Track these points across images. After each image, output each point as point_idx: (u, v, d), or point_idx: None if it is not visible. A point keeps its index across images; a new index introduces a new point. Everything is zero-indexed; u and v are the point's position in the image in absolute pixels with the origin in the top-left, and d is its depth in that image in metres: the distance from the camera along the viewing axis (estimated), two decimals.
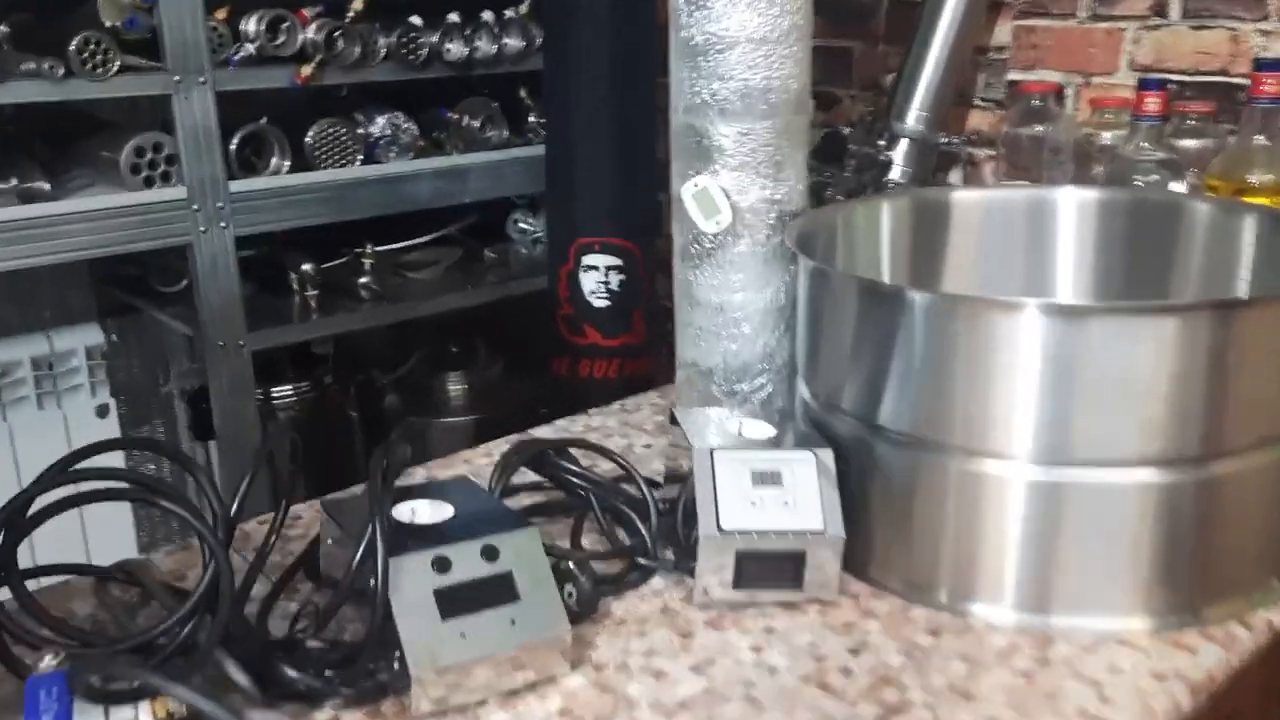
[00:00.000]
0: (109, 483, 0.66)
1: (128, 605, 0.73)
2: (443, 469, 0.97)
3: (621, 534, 0.82)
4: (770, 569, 0.72)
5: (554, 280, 1.67)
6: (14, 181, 1.42)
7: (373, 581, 0.62)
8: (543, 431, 1.05)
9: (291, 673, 0.62)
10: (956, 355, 0.70)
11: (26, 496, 0.62)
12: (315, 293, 1.73)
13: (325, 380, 1.90)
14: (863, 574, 0.77)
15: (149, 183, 1.50)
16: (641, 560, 0.77)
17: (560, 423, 1.07)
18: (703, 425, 0.81)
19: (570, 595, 0.70)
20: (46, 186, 1.46)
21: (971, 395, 0.70)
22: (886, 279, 0.94)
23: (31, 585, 0.69)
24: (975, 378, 0.70)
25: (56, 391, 1.80)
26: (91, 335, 1.83)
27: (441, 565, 0.64)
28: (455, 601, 0.63)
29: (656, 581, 0.77)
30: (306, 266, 1.71)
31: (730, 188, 0.88)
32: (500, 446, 1.01)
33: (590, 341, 1.65)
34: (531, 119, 1.91)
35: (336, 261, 1.78)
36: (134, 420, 1.94)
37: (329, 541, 0.71)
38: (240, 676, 0.60)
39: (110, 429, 1.86)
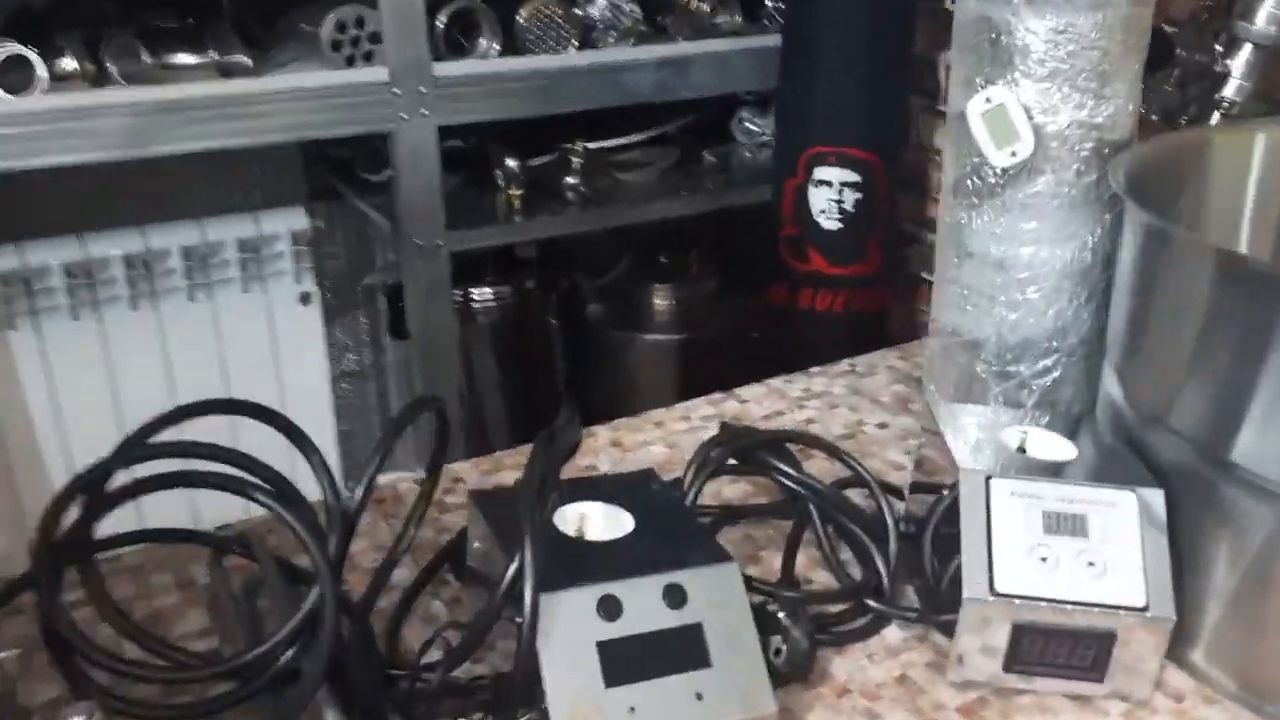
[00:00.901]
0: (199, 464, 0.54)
1: (247, 583, 0.62)
2: (630, 432, 0.81)
3: (847, 558, 0.64)
4: (1060, 650, 0.52)
5: (778, 195, 1.46)
6: (213, 54, 1.34)
7: (518, 620, 0.47)
8: (752, 393, 0.87)
9: None
10: None
11: (105, 469, 0.50)
12: (520, 192, 1.59)
13: (527, 284, 1.79)
14: (1183, 661, 0.56)
15: (350, 61, 1.39)
16: (873, 604, 0.59)
17: (774, 382, 0.89)
18: (967, 427, 0.61)
19: (778, 653, 0.53)
20: (248, 61, 1.37)
21: None
22: (1247, 247, 0.69)
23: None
24: None
25: (261, 276, 1.76)
26: (297, 219, 1.77)
27: (610, 609, 0.48)
28: (625, 661, 0.47)
29: (892, 633, 0.59)
30: (511, 163, 1.58)
31: (1034, 105, 0.65)
32: (700, 409, 0.84)
33: (814, 269, 1.44)
34: (769, 3, 1.68)
35: (544, 159, 1.64)
36: (337, 310, 1.91)
37: (475, 544, 0.57)
38: None
39: (313, 318, 1.82)
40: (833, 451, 0.65)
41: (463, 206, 1.58)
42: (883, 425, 0.82)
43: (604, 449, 0.78)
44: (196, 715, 0.52)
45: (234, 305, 1.74)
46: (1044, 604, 0.51)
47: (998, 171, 0.67)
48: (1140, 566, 0.52)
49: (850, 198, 1.40)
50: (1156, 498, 0.54)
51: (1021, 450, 0.60)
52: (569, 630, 0.47)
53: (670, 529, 0.54)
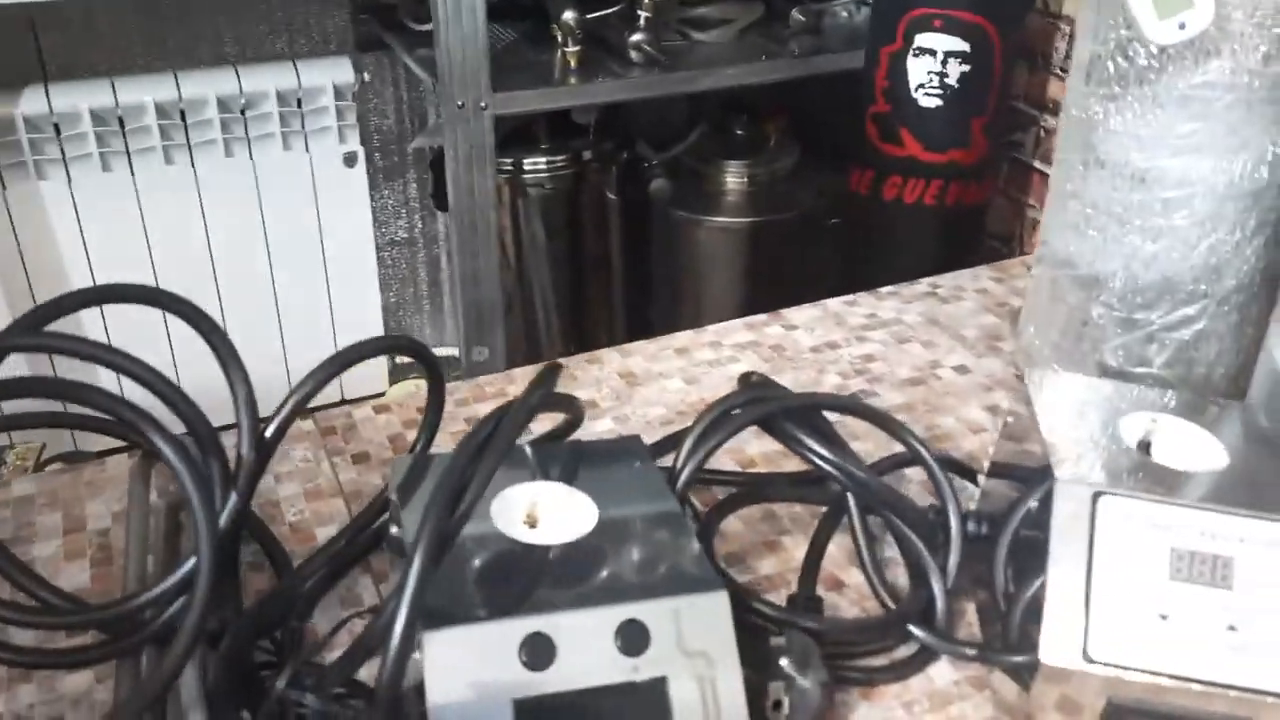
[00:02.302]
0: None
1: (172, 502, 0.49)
2: (645, 360, 0.66)
3: (892, 555, 0.49)
4: None
5: (871, 63, 1.25)
6: None
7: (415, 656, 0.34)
8: (803, 318, 0.71)
9: None
10: None
11: None
12: (578, 49, 1.41)
13: (584, 155, 1.62)
14: None
15: None
16: (918, 631, 0.44)
17: (833, 304, 0.72)
18: (1072, 408, 0.45)
19: (777, 706, 0.39)
20: None
21: None
22: None
23: None
24: None
25: (303, 131, 1.63)
26: (342, 71, 1.62)
27: (538, 654, 0.34)
28: None
29: (942, 671, 0.44)
30: (569, 15, 1.39)
31: None
32: (734, 334, 0.69)
33: (907, 153, 1.24)
34: None
35: (607, 11, 1.45)
36: (385, 173, 1.77)
37: (393, 528, 0.44)
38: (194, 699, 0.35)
39: (358, 180, 1.69)
40: (885, 424, 0.50)
41: (514, 64, 1.41)
42: (962, 369, 0.66)
43: (609, 379, 0.64)
44: (48, 665, 0.41)
45: (273, 163, 1.62)
46: (1161, 680, 0.36)
47: (1154, 50, 0.48)
48: None
49: (955, 70, 1.19)
50: None
51: (1145, 449, 0.43)
52: (475, 680, 0.34)
53: (643, 532, 0.40)
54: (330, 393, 1.75)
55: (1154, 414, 0.44)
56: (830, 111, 1.53)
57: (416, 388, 1.72)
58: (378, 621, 0.34)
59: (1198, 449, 0.43)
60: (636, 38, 1.41)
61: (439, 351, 1.86)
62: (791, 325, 0.70)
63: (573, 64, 1.41)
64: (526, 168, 1.59)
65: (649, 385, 0.64)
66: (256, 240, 1.67)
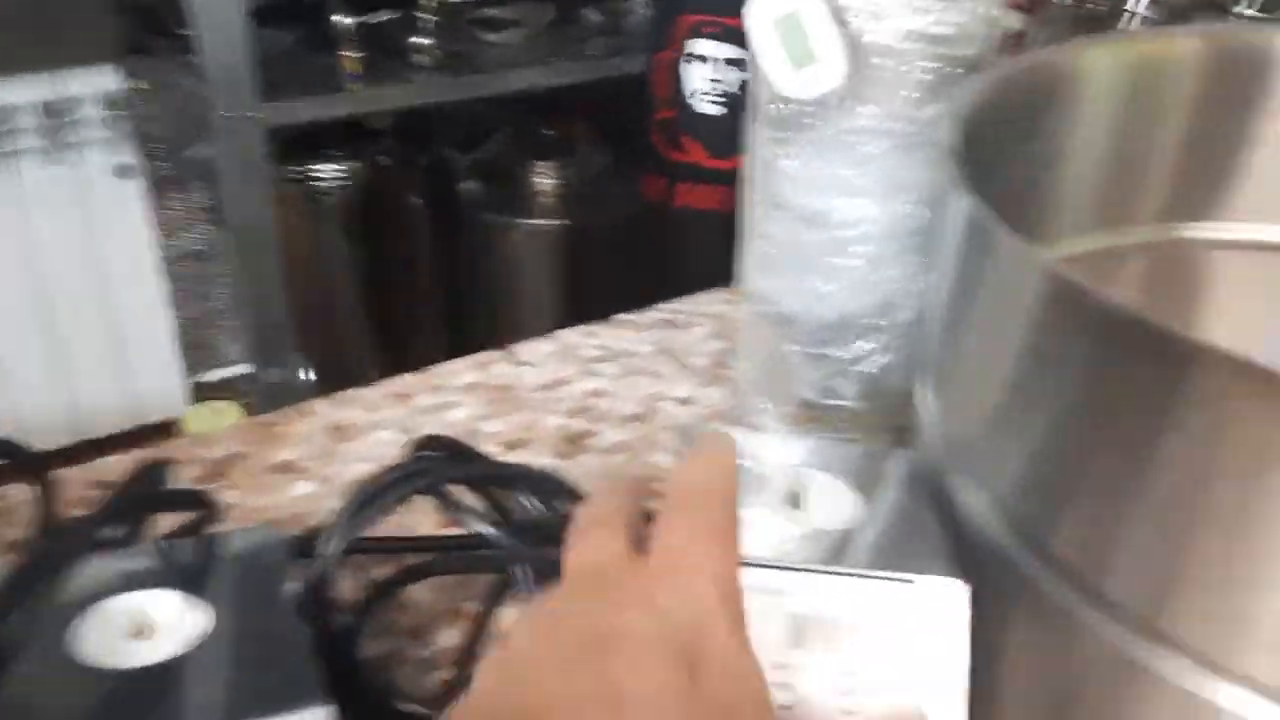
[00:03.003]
0: None
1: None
2: (360, 410, 0.64)
3: None
4: None
5: (652, 69, 1.25)
6: None
7: None
8: (534, 353, 0.69)
9: None
10: (1229, 483, 0.30)
11: None
12: (358, 54, 1.36)
13: (380, 160, 1.57)
14: None
15: None
16: None
17: (570, 335, 0.71)
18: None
19: None
20: None
21: (1244, 573, 0.30)
22: (1141, 227, 0.50)
23: None
24: (1265, 542, 0.30)
25: (69, 145, 1.53)
26: (109, 80, 1.53)
27: None
28: None
29: None
30: (345, 19, 1.34)
31: (852, 6, 0.46)
32: (460, 375, 0.67)
33: (692, 160, 1.24)
34: None
35: (385, 15, 1.40)
36: (170, 183, 1.68)
37: None
38: None
39: (133, 192, 1.60)
40: (556, 492, 0.48)
41: (289, 71, 1.35)
42: (687, 401, 0.65)
43: (318, 435, 0.61)
44: None
45: (39, 178, 1.52)
46: None
47: (802, 103, 0.48)
48: (921, 692, 0.37)
49: (733, 77, 1.19)
50: (961, 596, 0.38)
51: (795, 504, 0.43)
52: None
53: (255, 642, 0.37)
54: (122, 420, 1.66)
55: (805, 467, 0.44)
56: (637, 114, 1.53)
57: (213, 413, 1.64)
58: None
59: (841, 505, 0.43)
60: (418, 41, 1.37)
61: (244, 369, 1.78)
62: (522, 362, 0.68)
63: (353, 70, 1.36)
64: (318, 175, 1.53)
65: (361, 439, 0.61)
66: (26, 260, 1.56)
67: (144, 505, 0.40)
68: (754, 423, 0.61)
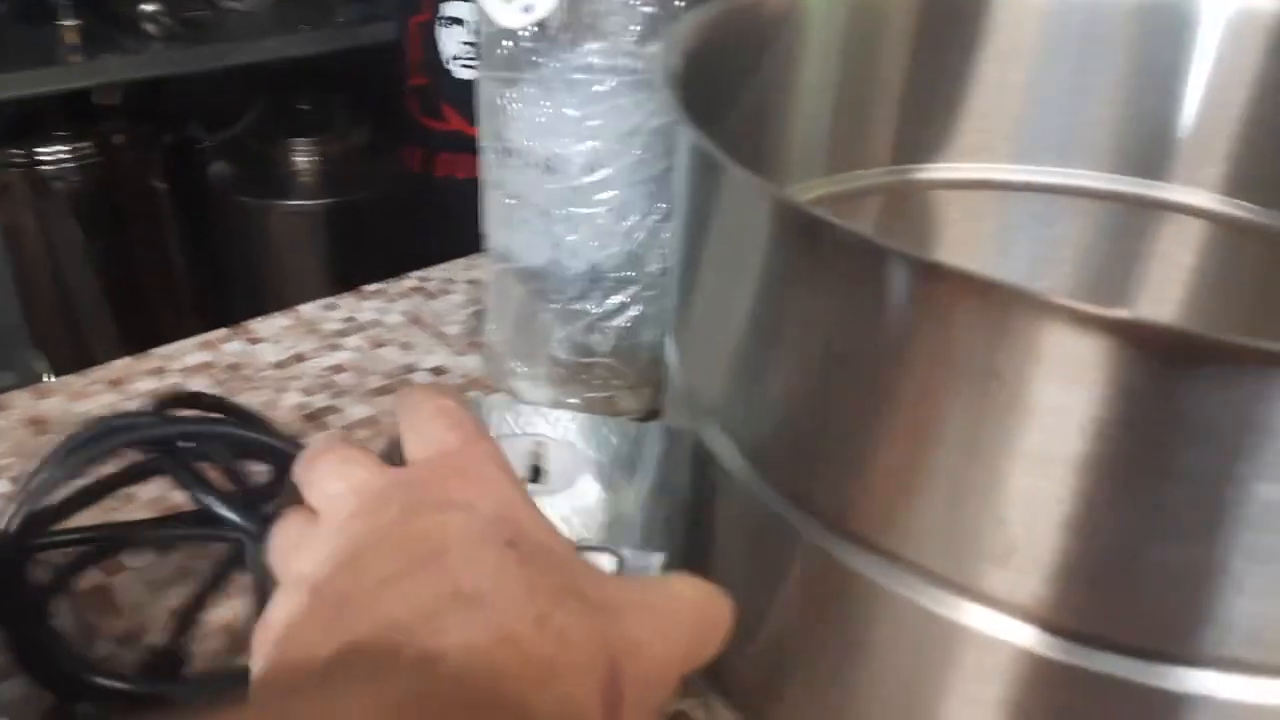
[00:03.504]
0: None
1: None
2: (68, 399, 0.57)
3: None
4: None
5: (403, 34, 1.19)
6: None
7: None
8: (271, 329, 0.64)
9: None
10: (958, 400, 0.30)
11: None
12: (76, 23, 1.23)
13: (114, 139, 1.44)
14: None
15: None
16: None
17: (309, 309, 0.66)
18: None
19: None
20: None
21: (974, 486, 0.30)
22: (854, 159, 0.50)
23: None
24: (990, 454, 0.30)
25: None
26: None
27: None
28: None
29: None
30: None
31: None
32: (185, 356, 0.61)
33: (452, 128, 1.20)
34: None
35: None
36: None
37: None
38: None
39: None
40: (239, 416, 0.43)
41: (2, 43, 1.21)
42: (440, 370, 0.62)
43: (14, 430, 0.54)
44: None
45: None
46: None
47: (522, 36, 0.46)
48: None
49: None
50: (653, 563, 0.36)
51: (535, 476, 0.41)
52: None
53: None
54: None
55: (541, 435, 0.42)
56: (392, 85, 1.46)
57: None
58: None
59: (581, 476, 0.41)
60: (146, 8, 1.26)
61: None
62: (257, 338, 0.63)
63: (72, 40, 1.24)
64: (43, 158, 1.39)
65: (64, 431, 0.54)
66: None
67: None
68: (510, 386, 0.59)
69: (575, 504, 0.40)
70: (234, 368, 0.60)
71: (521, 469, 0.41)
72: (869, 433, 0.32)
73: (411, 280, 0.70)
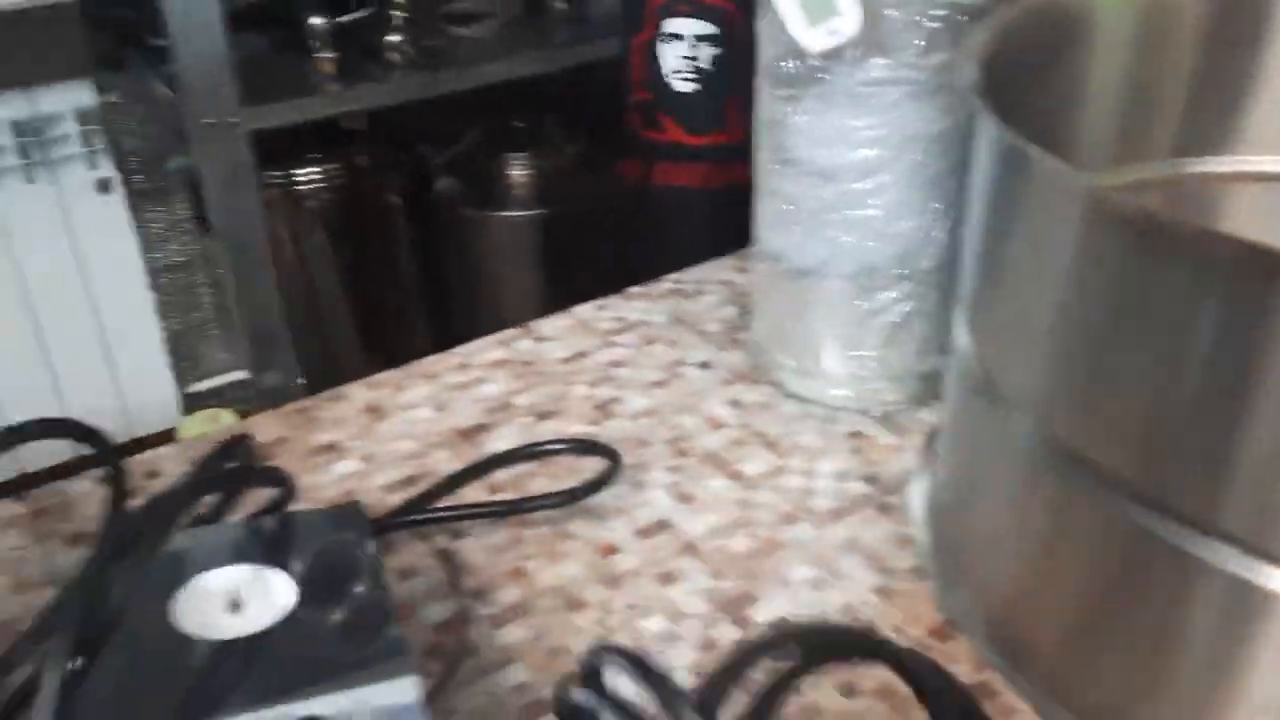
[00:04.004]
0: None
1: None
2: (392, 391, 0.65)
3: None
4: None
5: (626, 52, 1.26)
6: None
7: None
8: (554, 328, 0.71)
9: None
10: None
11: None
12: (333, 55, 1.36)
13: (358, 160, 1.58)
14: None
15: None
16: None
17: (584, 311, 0.73)
18: None
19: None
20: None
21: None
22: (1165, 158, 0.53)
23: None
24: None
25: (47, 162, 1.52)
26: (84, 96, 1.52)
27: None
28: None
29: None
30: (318, 20, 1.34)
31: None
32: (486, 353, 0.68)
33: (670, 139, 1.25)
34: None
35: (359, 14, 1.41)
36: (149, 196, 1.67)
37: None
38: None
39: (115, 206, 1.59)
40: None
41: (265, 75, 1.35)
42: (705, 365, 0.67)
43: (354, 416, 0.62)
44: None
45: (19, 198, 1.51)
46: None
47: (816, 58, 0.50)
48: None
49: (706, 53, 1.21)
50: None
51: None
52: None
53: (341, 614, 0.38)
54: (117, 433, 1.65)
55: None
56: (607, 100, 1.54)
57: (209, 420, 1.64)
58: None
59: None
60: (391, 39, 1.38)
61: (234, 376, 1.78)
62: (542, 337, 0.70)
63: (329, 71, 1.37)
64: (298, 179, 1.53)
65: (396, 417, 0.62)
66: (11, 280, 1.55)
67: (229, 480, 0.41)
68: (777, 379, 0.63)
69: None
70: (527, 363, 0.67)
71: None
72: (1179, 409, 0.34)
73: (668, 283, 0.76)
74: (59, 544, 0.53)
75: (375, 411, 0.63)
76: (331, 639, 0.37)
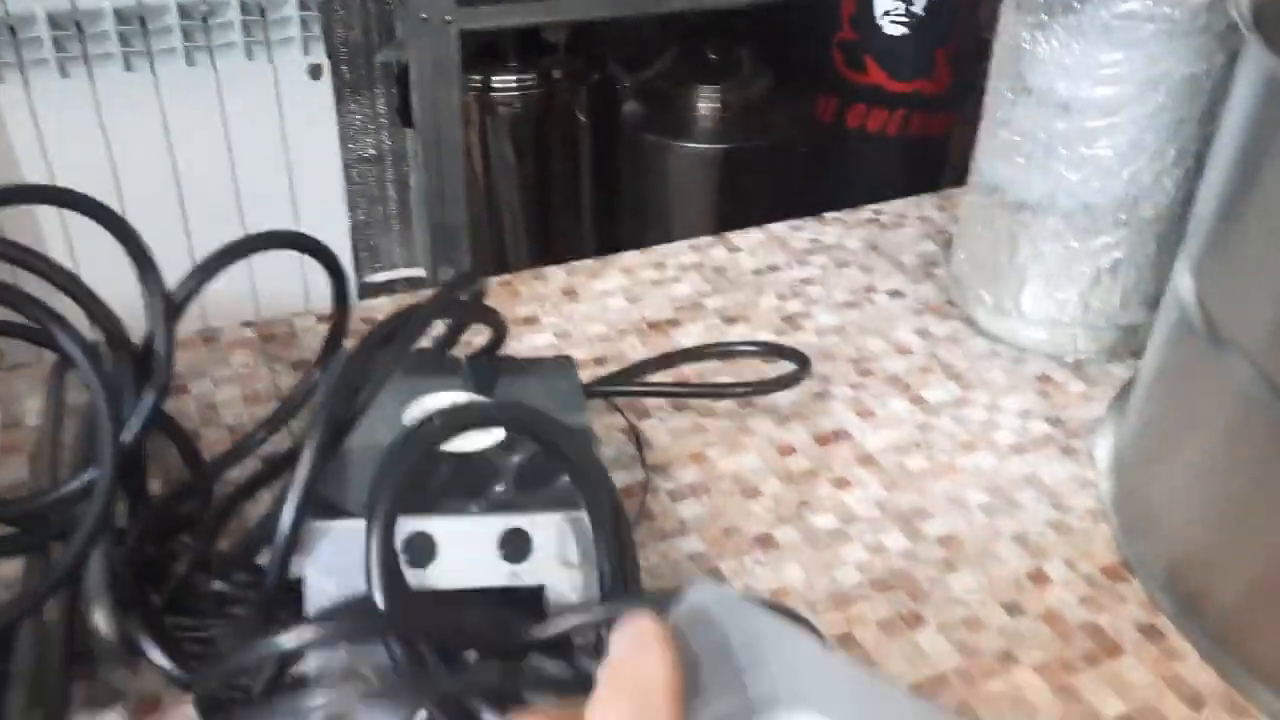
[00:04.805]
0: None
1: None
2: (588, 278, 0.67)
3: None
4: None
5: None
6: None
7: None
8: (747, 241, 0.72)
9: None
10: None
11: None
12: None
13: (554, 73, 1.61)
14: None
15: None
16: None
17: (778, 228, 0.74)
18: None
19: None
20: None
21: None
22: None
23: None
24: None
25: (267, 42, 1.61)
26: None
27: (419, 552, 0.36)
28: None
29: None
30: None
31: None
32: (679, 255, 0.70)
33: (872, 82, 1.24)
34: None
35: None
36: (352, 88, 1.75)
37: None
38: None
39: (324, 94, 1.67)
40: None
41: None
42: (896, 294, 0.67)
43: (552, 296, 0.65)
44: None
45: (237, 74, 1.60)
46: None
47: None
48: None
49: None
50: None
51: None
52: (349, 570, 0.35)
53: (556, 444, 0.41)
54: (288, 304, 1.76)
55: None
56: (803, 37, 1.52)
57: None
58: (272, 510, 0.35)
59: None
60: None
61: (409, 272, 1.86)
62: (735, 248, 0.71)
63: None
64: (495, 85, 1.58)
65: (591, 302, 0.65)
66: (219, 154, 1.65)
67: (462, 310, 0.44)
68: (971, 314, 0.63)
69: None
70: (719, 269, 0.69)
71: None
72: None
73: (867, 212, 0.76)
74: (283, 367, 0.58)
75: (571, 294, 0.65)
76: (539, 467, 0.39)
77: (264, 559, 0.36)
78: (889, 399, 0.58)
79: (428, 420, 0.36)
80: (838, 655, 0.34)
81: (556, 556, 0.36)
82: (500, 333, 0.47)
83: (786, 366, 0.56)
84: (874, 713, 0.22)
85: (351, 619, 0.33)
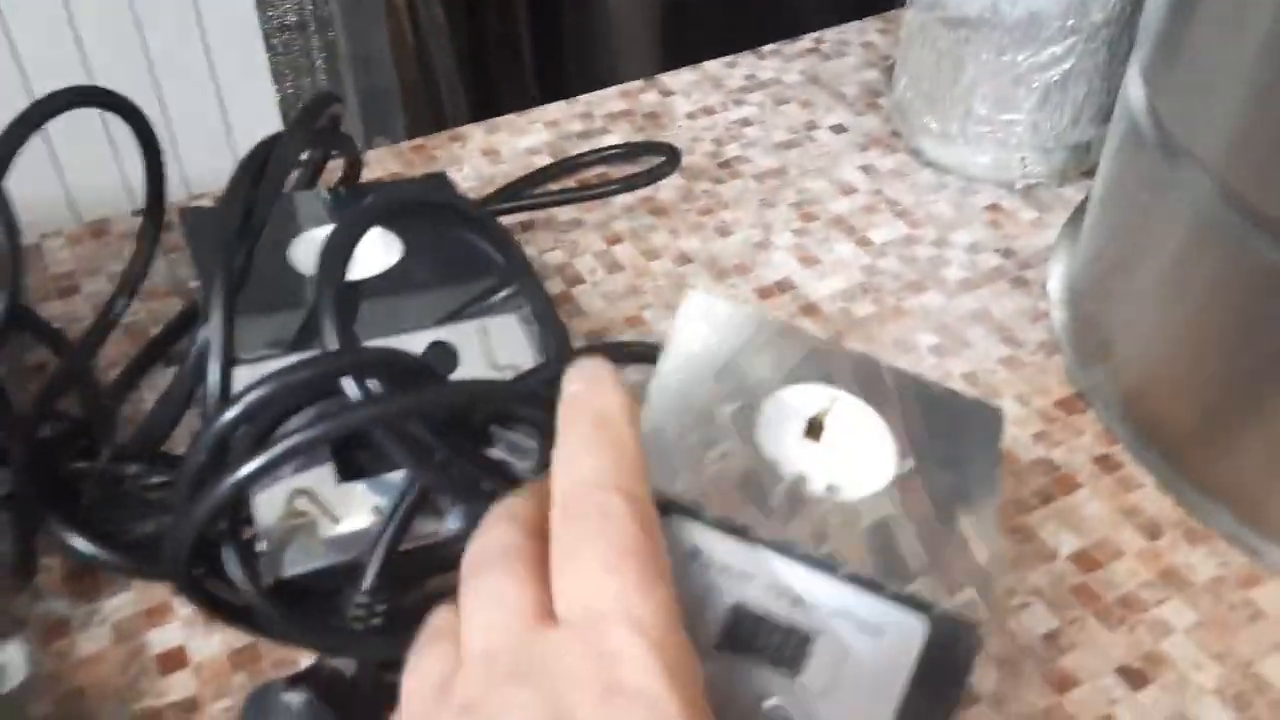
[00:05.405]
0: None
1: None
2: (511, 134, 0.63)
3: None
4: None
5: None
6: None
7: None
8: (680, 83, 0.67)
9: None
10: None
11: None
12: None
13: None
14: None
15: None
16: None
17: (712, 66, 0.69)
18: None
19: None
20: None
21: None
22: None
23: None
24: None
25: None
26: None
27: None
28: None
29: None
30: None
31: None
32: (607, 103, 0.65)
33: None
34: None
35: None
36: None
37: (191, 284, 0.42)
38: None
39: None
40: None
41: None
42: (839, 128, 0.63)
43: (472, 157, 0.61)
44: None
45: None
46: None
47: None
48: None
49: None
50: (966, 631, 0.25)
51: (815, 434, 0.28)
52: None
53: (449, 260, 0.38)
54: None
55: (838, 390, 0.29)
56: None
57: None
58: (184, 365, 0.33)
59: (872, 454, 0.28)
60: None
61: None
62: (668, 91, 0.67)
63: None
64: None
65: (514, 162, 0.61)
66: (129, 25, 1.55)
67: (319, 138, 0.41)
68: (917, 145, 0.59)
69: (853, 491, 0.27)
70: (651, 115, 0.64)
71: (798, 421, 0.28)
72: None
73: (806, 42, 0.71)
74: (181, 256, 0.54)
75: (493, 154, 0.61)
76: (447, 280, 0.37)
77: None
78: (834, 243, 0.55)
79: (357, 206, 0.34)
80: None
81: (486, 361, 0.34)
82: (355, 161, 0.43)
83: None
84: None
85: (310, 363, 0.30)
